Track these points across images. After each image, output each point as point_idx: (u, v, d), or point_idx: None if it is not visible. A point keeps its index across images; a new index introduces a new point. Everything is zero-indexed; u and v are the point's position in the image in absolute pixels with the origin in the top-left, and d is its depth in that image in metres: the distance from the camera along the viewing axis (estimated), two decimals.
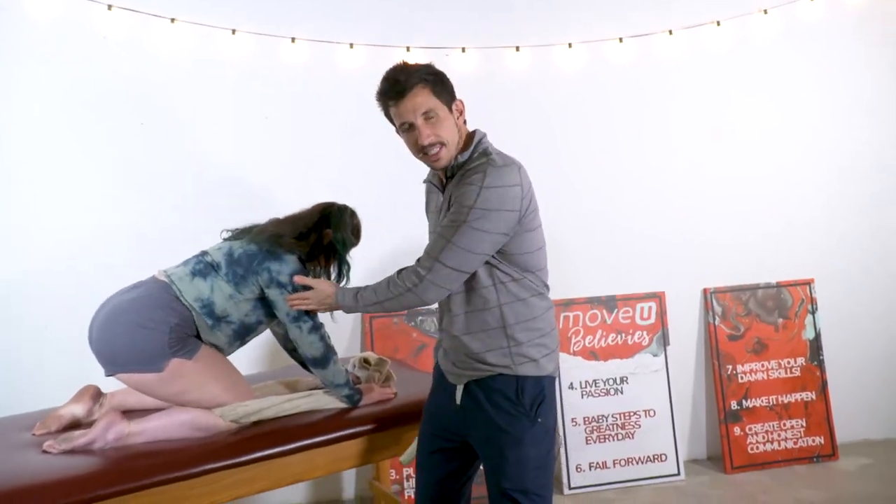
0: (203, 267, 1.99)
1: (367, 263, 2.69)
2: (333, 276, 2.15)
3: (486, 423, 1.68)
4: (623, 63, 3.28)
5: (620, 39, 3.27)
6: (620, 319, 3.31)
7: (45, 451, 1.83)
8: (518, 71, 3.21)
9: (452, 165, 1.66)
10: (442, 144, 1.62)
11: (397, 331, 3.16)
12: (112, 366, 1.90)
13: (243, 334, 2.04)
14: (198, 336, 1.96)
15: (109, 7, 2.80)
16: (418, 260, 1.68)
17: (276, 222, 2.07)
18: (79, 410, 2.05)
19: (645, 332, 3.31)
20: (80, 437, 1.84)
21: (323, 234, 2.09)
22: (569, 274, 3.25)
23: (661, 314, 3.33)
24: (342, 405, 2.10)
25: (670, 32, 3.26)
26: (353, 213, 2.17)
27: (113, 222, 2.88)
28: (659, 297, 3.34)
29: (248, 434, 1.97)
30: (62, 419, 2.02)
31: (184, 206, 2.96)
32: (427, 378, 2.26)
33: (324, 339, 2.00)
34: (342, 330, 3.11)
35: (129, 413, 2.03)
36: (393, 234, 3.05)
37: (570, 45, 3.23)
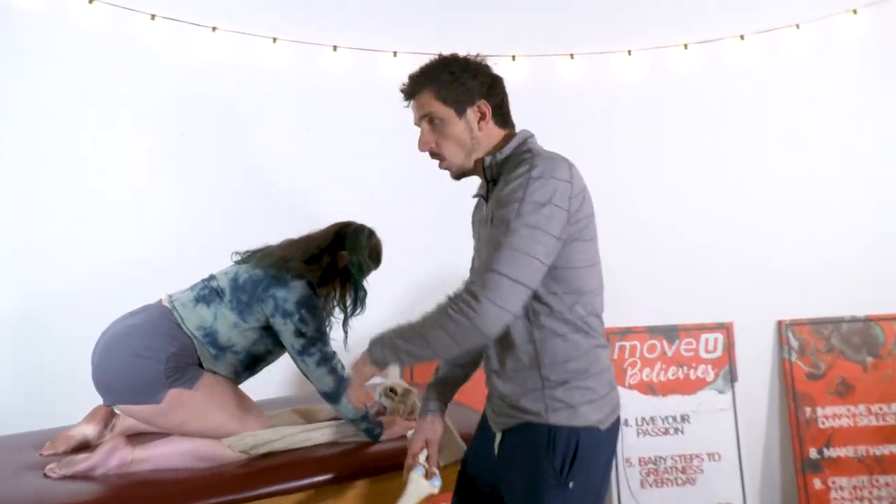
0: (207, 293, 1.86)
1: (407, 289, 2.53)
2: (349, 303, 1.97)
3: (514, 482, 1.44)
4: (689, 70, 3.02)
5: (686, 46, 3.01)
6: (682, 351, 3.02)
7: (45, 475, 1.73)
8: (572, 80, 3.00)
9: (491, 165, 1.44)
10: (440, 157, 1.47)
11: None
12: (110, 396, 1.80)
13: (251, 365, 1.90)
14: (200, 364, 1.83)
15: (153, 17, 2.77)
16: (466, 282, 1.36)
17: (285, 244, 1.92)
18: (90, 431, 1.95)
19: (710, 367, 3.01)
20: (81, 462, 1.73)
21: (338, 257, 1.93)
22: (625, 299, 2.98)
23: (729, 347, 3.02)
24: (362, 439, 1.93)
25: (742, 38, 2.98)
26: (371, 234, 1.99)
27: (152, 233, 2.82)
28: (726, 329, 3.03)
29: (257, 466, 1.81)
30: (71, 440, 1.92)
31: (223, 217, 2.87)
32: (467, 411, 2.07)
33: (335, 371, 1.83)
34: None
35: (138, 437, 1.91)
36: (439, 252, 2.87)
37: (629, 52, 3.00)
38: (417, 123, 1.49)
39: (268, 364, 1.96)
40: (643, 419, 2.97)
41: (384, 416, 2.06)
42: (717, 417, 2.98)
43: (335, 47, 2.90)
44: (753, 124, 3.07)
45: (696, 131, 3.07)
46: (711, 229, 3.07)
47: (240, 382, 1.92)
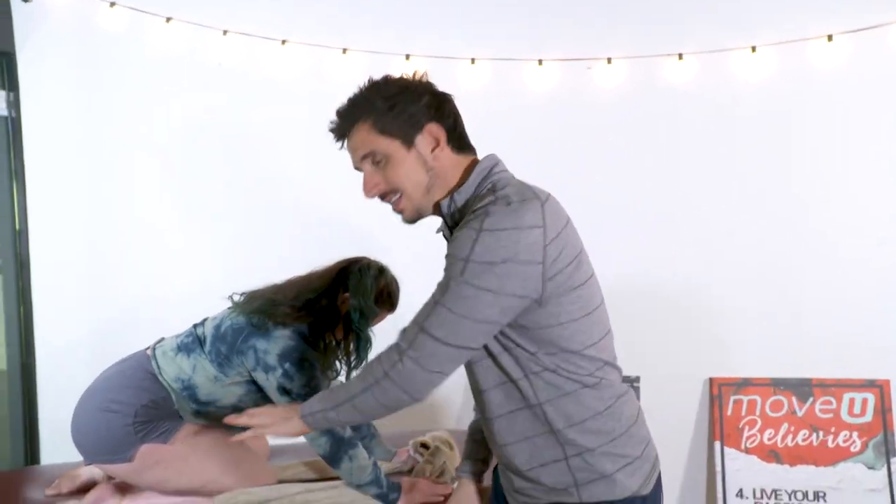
0: (190, 341, 1.66)
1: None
2: (353, 355, 1.70)
3: None
4: (832, 68, 2.46)
5: (830, 37, 2.46)
6: (818, 412, 2.44)
7: None
8: (680, 82, 2.56)
9: (452, 211, 1.22)
10: (395, 192, 1.21)
11: None
12: (85, 456, 1.66)
13: None
14: (181, 416, 1.64)
15: (225, 32, 2.70)
16: (399, 333, 1.20)
17: (279, 286, 1.67)
18: (96, 470, 1.82)
19: (856, 434, 2.40)
20: None
21: (339, 301, 1.67)
22: (742, 343, 2.48)
23: (884, 412, 2.40)
24: (376, 503, 1.64)
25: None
26: (379, 273, 1.70)
27: (214, 256, 2.73)
28: (881, 388, 2.41)
29: None
30: (76, 479, 1.80)
31: (287, 239, 2.71)
32: None
33: (329, 431, 1.56)
34: (450, 393, 2.65)
35: (129, 486, 1.74)
36: None
37: (753, 48, 2.50)
38: (358, 167, 1.24)
39: None
40: (763, 491, 2.42)
41: (407, 476, 1.76)
42: (865, 499, 2.37)
43: (408, 56, 2.67)
44: None
45: (840, 136, 2.50)
46: (863, 255, 2.47)
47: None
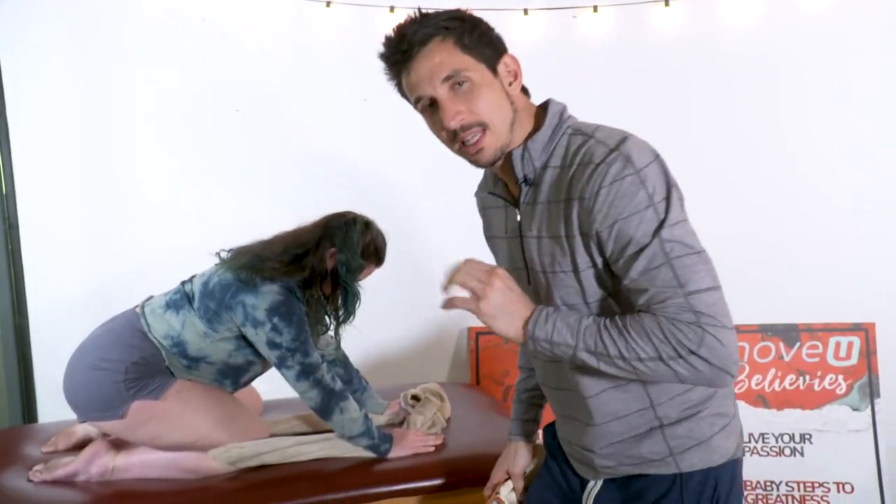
0: (179, 298, 1.68)
1: None
2: (341, 309, 1.71)
3: None
4: (819, 11, 2.42)
5: None
6: (804, 357, 2.47)
7: (28, 479, 1.66)
8: (667, 29, 2.52)
9: (525, 157, 1.05)
10: (482, 126, 1.02)
11: (507, 351, 2.65)
12: (78, 412, 1.68)
13: (233, 376, 1.70)
14: (172, 373, 1.65)
15: None
16: (658, 311, 0.95)
17: (265, 242, 1.68)
18: (91, 428, 1.85)
19: (841, 377, 2.44)
20: (62, 468, 1.65)
21: (327, 255, 1.67)
22: (731, 289, 2.48)
23: (868, 354, 2.43)
24: (367, 454, 1.68)
25: None
26: (366, 228, 1.71)
27: (213, 214, 2.71)
28: (865, 331, 2.44)
29: (245, 481, 1.63)
30: (72, 436, 1.84)
31: (283, 195, 2.70)
32: None
33: (320, 383, 1.58)
34: (442, 347, 2.68)
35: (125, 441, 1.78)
36: None
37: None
38: (429, 94, 1.02)
39: (255, 376, 1.76)
40: (751, 435, 2.47)
41: (398, 428, 1.80)
42: (849, 439, 2.42)
43: (392, 8, 2.62)
44: None
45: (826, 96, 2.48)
46: (850, 205, 2.47)
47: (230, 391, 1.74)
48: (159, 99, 2.69)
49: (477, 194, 1.29)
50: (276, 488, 1.61)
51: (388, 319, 2.57)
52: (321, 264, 1.66)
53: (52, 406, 2.40)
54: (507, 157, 1.06)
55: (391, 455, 1.67)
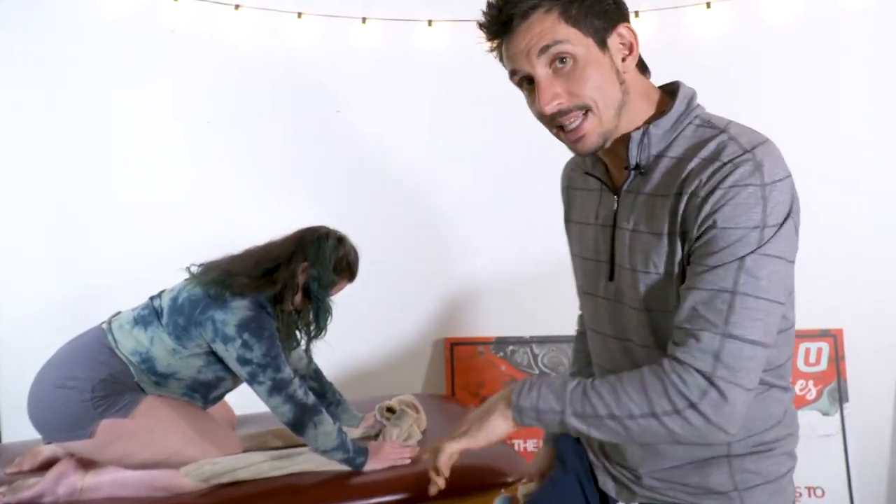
0: (147, 314, 1.66)
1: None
2: (312, 324, 1.70)
3: None
4: (786, 22, 2.47)
5: None
6: None
7: None
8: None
9: (644, 142, 0.95)
10: (584, 109, 0.92)
11: (483, 362, 2.65)
12: (44, 434, 1.65)
13: (203, 391, 1.68)
14: (142, 389, 1.63)
15: None
16: (670, 353, 0.89)
17: (235, 257, 1.67)
18: (59, 448, 1.81)
19: (810, 383, 2.48)
20: (28, 489, 1.60)
21: (299, 270, 1.66)
22: None
23: (837, 360, 2.47)
24: (343, 468, 1.66)
25: None
26: (338, 243, 1.71)
27: (183, 228, 2.68)
28: (834, 337, 2.48)
29: (219, 497, 1.62)
30: (38, 456, 1.80)
31: (252, 206, 2.68)
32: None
33: (292, 399, 1.57)
34: (417, 358, 2.67)
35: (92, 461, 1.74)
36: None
37: (707, 4, 2.49)
38: (525, 69, 0.92)
39: (226, 391, 1.74)
40: None
41: (374, 441, 1.78)
42: (819, 444, 2.46)
43: (364, 19, 2.63)
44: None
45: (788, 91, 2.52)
46: (815, 207, 2.49)
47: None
48: (129, 111, 2.67)
49: (566, 171, 1.18)
50: (252, 503, 1.59)
51: (361, 331, 2.56)
52: (293, 279, 1.65)
53: (17, 425, 2.34)
54: (620, 138, 0.96)
55: (367, 468, 1.66)
